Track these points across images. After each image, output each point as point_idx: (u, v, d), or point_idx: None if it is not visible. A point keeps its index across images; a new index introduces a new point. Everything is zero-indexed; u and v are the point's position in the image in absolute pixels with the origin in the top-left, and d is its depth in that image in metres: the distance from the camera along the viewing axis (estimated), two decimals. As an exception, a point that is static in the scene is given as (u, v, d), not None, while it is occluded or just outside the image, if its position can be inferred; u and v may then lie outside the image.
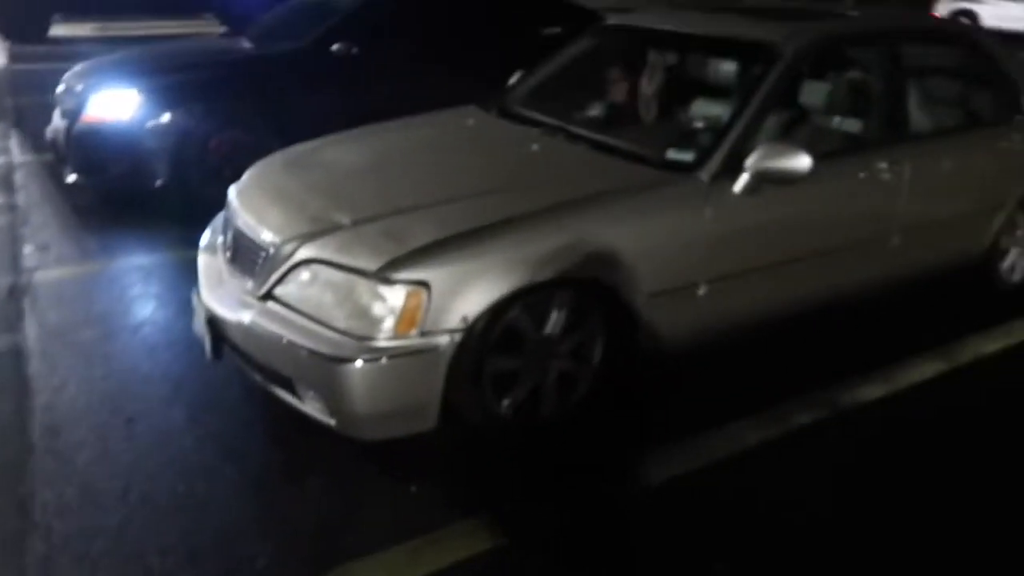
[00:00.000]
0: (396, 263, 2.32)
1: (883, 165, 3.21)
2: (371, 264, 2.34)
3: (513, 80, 3.95)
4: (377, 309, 2.32)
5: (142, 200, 4.71)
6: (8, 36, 11.55)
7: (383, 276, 2.31)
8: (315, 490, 2.39)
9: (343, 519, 2.26)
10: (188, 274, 3.00)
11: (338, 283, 2.39)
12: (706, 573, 2.10)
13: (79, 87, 4.75)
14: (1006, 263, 3.91)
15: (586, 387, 2.71)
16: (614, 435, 2.68)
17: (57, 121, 4.93)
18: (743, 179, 2.76)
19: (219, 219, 3.22)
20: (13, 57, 10.29)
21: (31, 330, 3.23)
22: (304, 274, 2.46)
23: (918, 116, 3.50)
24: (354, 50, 4.89)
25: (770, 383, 3.00)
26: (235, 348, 2.64)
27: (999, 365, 3.31)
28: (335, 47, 4.86)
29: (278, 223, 2.62)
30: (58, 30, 12.11)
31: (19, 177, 5.28)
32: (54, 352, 3.07)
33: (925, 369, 3.20)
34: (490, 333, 2.43)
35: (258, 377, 2.63)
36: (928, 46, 3.80)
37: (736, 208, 2.79)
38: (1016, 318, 3.67)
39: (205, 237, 3.15)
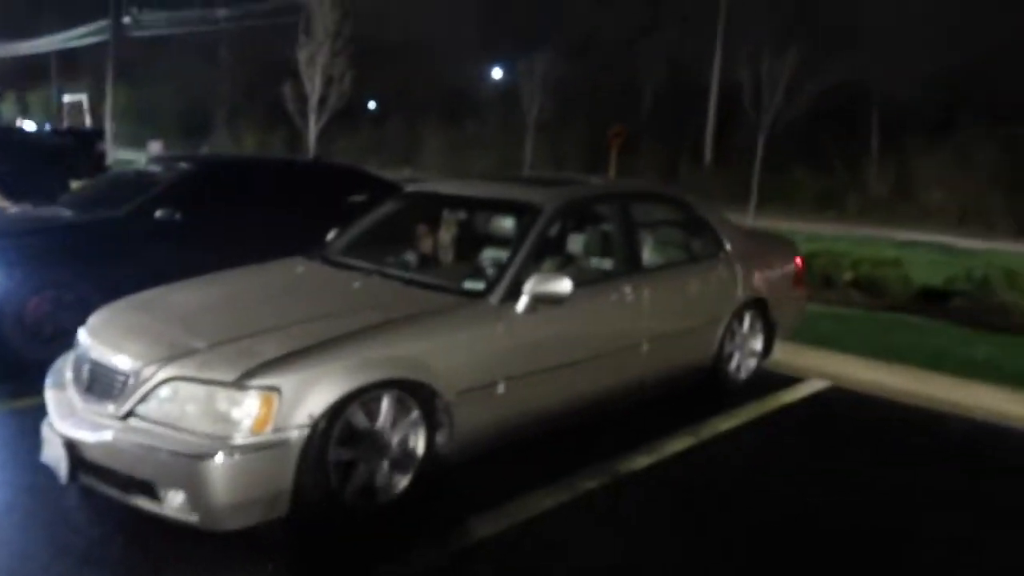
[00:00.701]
0: (250, 373, 2.82)
1: (627, 290, 4.20)
2: (229, 375, 2.81)
3: (331, 236, 4.64)
4: (235, 413, 2.78)
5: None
6: None
7: (240, 384, 2.79)
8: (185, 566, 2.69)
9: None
10: (15, 420, 3.21)
11: (198, 395, 2.82)
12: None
13: None
14: (732, 365, 5.01)
15: (413, 473, 3.25)
16: (436, 510, 3.21)
17: None
18: (523, 301, 3.58)
19: (62, 360, 3.51)
20: None
21: None
22: (164, 391, 2.87)
23: (649, 254, 4.62)
24: (176, 215, 5.36)
25: (561, 460, 3.70)
26: (92, 466, 2.93)
27: (731, 437, 4.28)
28: (159, 213, 5.31)
29: (137, 351, 3.02)
30: None
31: None
32: None
33: (679, 443, 4.08)
34: (332, 428, 2.94)
35: (115, 492, 2.91)
36: (650, 204, 5.03)
37: (519, 323, 3.58)
38: (742, 403, 4.73)
39: (50, 377, 3.41)
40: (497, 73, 38.94)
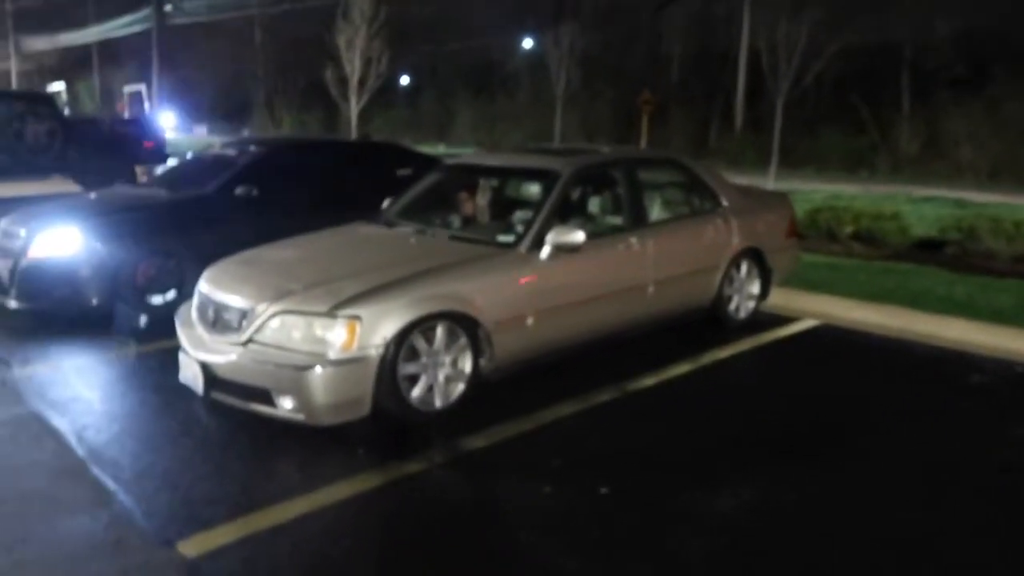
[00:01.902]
0: (338, 305, 3.73)
1: (634, 241, 5.03)
2: (322, 307, 3.73)
3: (386, 203, 5.54)
4: (327, 335, 3.70)
5: (77, 318, 5.71)
6: None
7: (331, 313, 3.70)
8: (299, 451, 3.63)
9: (323, 467, 3.52)
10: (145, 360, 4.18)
11: (300, 323, 3.75)
12: (588, 494, 3.53)
13: (22, 230, 5.79)
14: (731, 306, 5.81)
15: (464, 386, 4.15)
16: (481, 413, 4.10)
17: (-3, 261, 5.90)
18: (545, 250, 4.44)
19: (185, 306, 4.49)
20: None
21: (38, 403, 4.23)
22: (274, 322, 3.79)
23: (654, 211, 5.43)
24: (254, 192, 6.29)
25: (579, 380, 4.57)
26: (221, 382, 3.88)
27: (728, 363, 5.10)
28: (239, 190, 6.25)
29: (251, 293, 3.95)
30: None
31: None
32: (67, 412, 4.09)
33: (681, 367, 4.92)
34: (400, 348, 3.84)
35: (238, 401, 3.87)
36: (654, 167, 5.83)
37: (543, 268, 4.44)
38: (739, 338, 5.54)
39: (178, 318, 4.39)
40: (527, 43, 39.37)
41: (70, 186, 13.68)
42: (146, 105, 31.70)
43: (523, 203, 5.41)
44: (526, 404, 4.24)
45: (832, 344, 5.61)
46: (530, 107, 36.50)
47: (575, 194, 5.11)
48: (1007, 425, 4.17)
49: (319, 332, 3.71)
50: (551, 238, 4.42)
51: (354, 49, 21.10)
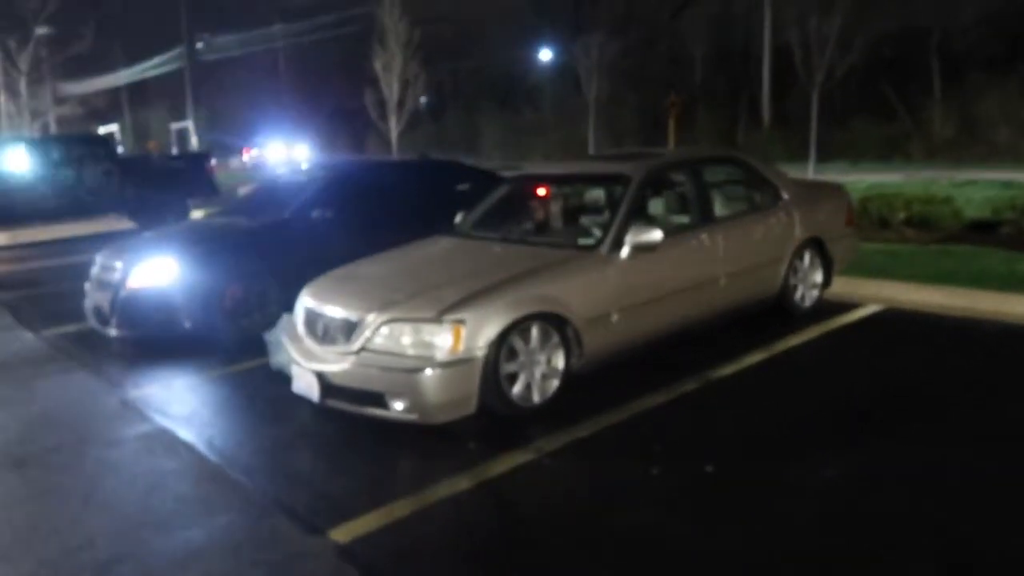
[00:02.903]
0: (444, 311, 4.00)
1: (704, 237, 5.24)
2: (429, 313, 4.00)
3: (459, 217, 5.81)
4: (436, 340, 3.96)
5: (171, 342, 6.05)
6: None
7: (438, 319, 3.97)
8: (416, 448, 3.90)
9: (442, 460, 3.77)
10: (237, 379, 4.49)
11: (408, 330, 4.02)
12: (695, 473, 3.75)
13: (118, 263, 6.17)
14: (796, 295, 5.98)
15: (559, 382, 4.39)
16: (577, 407, 4.33)
17: (95, 293, 6.28)
18: (625, 250, 4.67)
19: (285, 322, 4.80)
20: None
21: (161, 418, 4.55)
22: (384, 330, 4.07)
23: (720, 207, 5.64)
24: (328, 214, 6.61)
25: (664, 372, 4.78)
26: (336, 389, 4.16)
27: (800, 349, 5.28)
28: (315, 213, 6.58)
29: (359, 306, 4.23)
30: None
31: (70, 343, 6.49)
32: (191, 425, 4.40)
33: (756, 356, 5.10)
34: (501, 349, 4.09)
35: (353, 406, 4.14)
36: (717, 165, 6.04)
37: (624, 267, 4.67)
38: (808, 326, 5.70)
39: (283, 334, 4.69)
40: (546, 55, 39.78)
41: (126, 224, 14.25)
42: (193, 140, 32.59)
43: (593, 208, 5.65)
44: (617, 396, 4.45)
45: (899, 327, 5.75)
46: (554, 117, 36.91)
47: (646, 195, 5.33)
48: (1087, 392, 4.30)
49: (427, 337, 3.98)
50: (630, 238, 4.65)
51: (391, 72, 21.68)
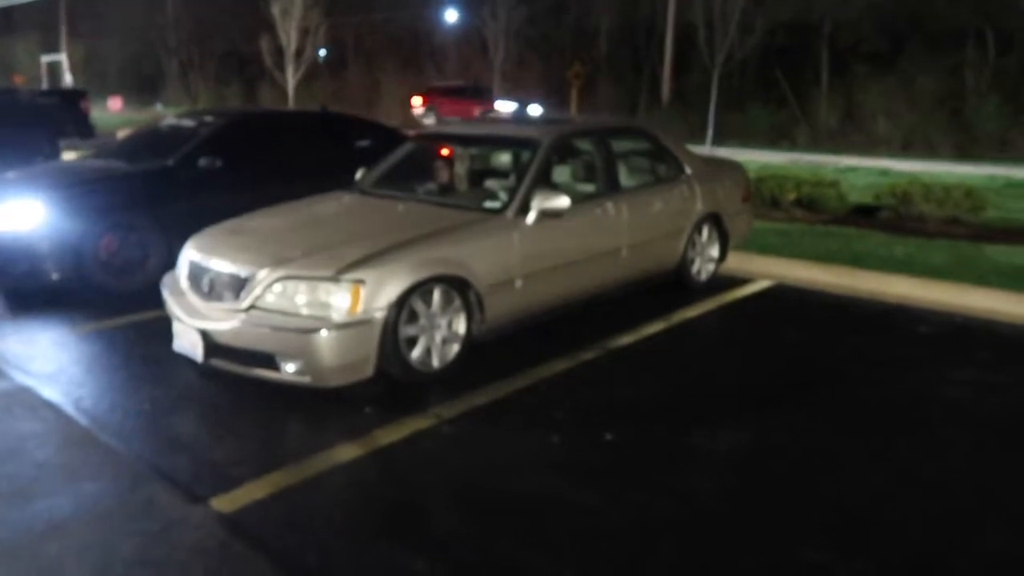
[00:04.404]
0: (342, 269, 3.80)
1: (609, 207, 5.23)
2: (327, 272, 3.79)
3: (360, 173, 5.56)
4: (332, 300, 3.76)
5: (39, 292, 5.55)
6: None
7: (336, 278, 3.77)
8: (307, 412, 3.71)
9: (335, 425, 3.61)
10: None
11: (304, 288, 3.80)
12: (595, 441, 3.72)
13: (-24, 204, 5.57)
14: (694, 268, 6.10)
15: (459, 347, 4.28)
16: (477, 372, 4.25)
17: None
18: (532, 215, 4.59)
19: (169, 276, 4.45)
20: None
21: (22, 376, 4.15)
22: (277, 287, 3.83)
23: (625, 177, 5.64)
24: (217, 163, 6.19)
25: (564, 340, 4.77)
26: (222, 349, 3.90)
27: (696, 322, 5.38)
28: (202, 161, 6.14)
29: (249, 260, 3.97)
30: None
31: None
32: (57, 384, 4.03)
33: (654, 326, 5.17)
34: (401, 311, 3.94)
35: (239, 367, 3.90)
36: (624, 136, 6.04)
37: (530, 233, 4.59)
38: (704, 298, 5.83)
39: (165, 289, 4.35)
40: (452, 16, 39.06)
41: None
42: (67, 77, 30.06)
43: (499, 172, 5.53)
44: (518, 363, 4.40)
45: (787, 302, 5.97)
46: (459, 79, 36.38)
47: (553, 161, 5.25)
48: (946, 368, 4.58)
49: (323, 296, 3.78)
50: (537, 204, 4.57)
51: (290, 19, 20.61)
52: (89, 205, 5.67)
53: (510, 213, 4.57)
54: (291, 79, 21.74)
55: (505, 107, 27.00)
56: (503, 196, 4.84)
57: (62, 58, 31.50)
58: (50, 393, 3.94)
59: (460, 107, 26.68)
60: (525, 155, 5.02)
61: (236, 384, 3.96)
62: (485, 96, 28.01)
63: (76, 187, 5.77)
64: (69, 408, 3.78)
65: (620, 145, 5.87)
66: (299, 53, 21.20)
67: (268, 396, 3.89)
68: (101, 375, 4.28)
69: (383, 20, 39.38)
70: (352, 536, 2.79)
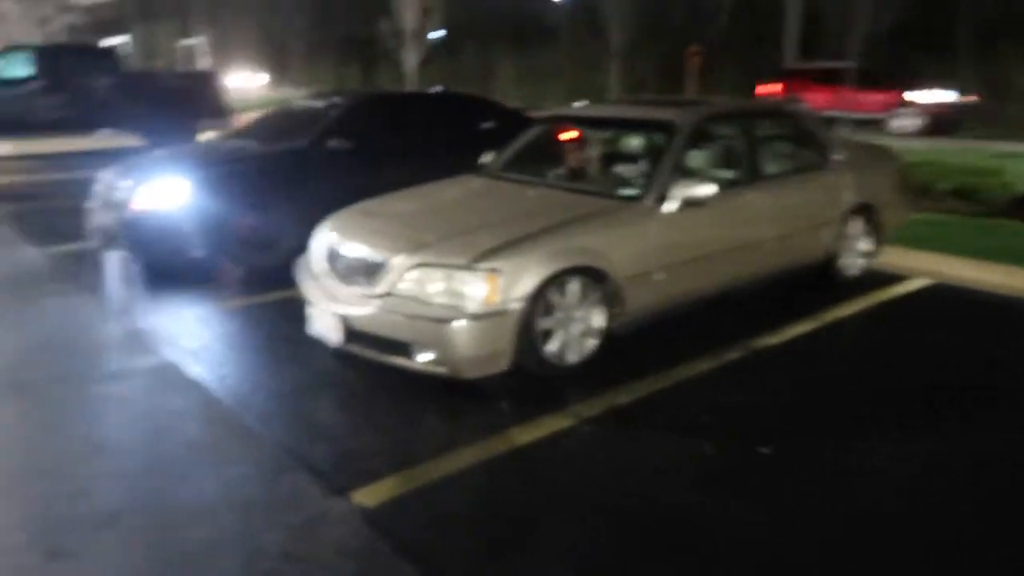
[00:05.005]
0: (478, 258, 3.67)
1: (752, 195, 4.89)
2: (462, 260, 3.67)
3: (488, 156, 5.43)
4: (468, 289, 3.64)
5: (180, 269, 5.74)
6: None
7: (471, 266, 3.65)
8: (444, 403, 3.63)
9: (472, 420, 3.51)
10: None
11: (440, 276, 3.69)
12: (748, 452, 3.48)
13: (126, 182, 5.81)
14: (843, 262, 5.65)
15: (595, 341, 4.10)
16: (616, 369, 4.05)
17: (101, 213, 5.93)
18: (672, 203, 4.32)
19: (303, 260, 4.46)
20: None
21: (169, 351, 4.26)
22: (413, 274, 3.75)
23: (769, 164, 5.26)
24: (347, 144, 6.23)
25: (707, 337, 4.49)
26: (358, 335, 3.86)
27: (848, 322, 4.97)
28: (332, 142, 6.19)
29: (386, 246, 3.91)
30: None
31: (71, 264, 6.18)
32: (201, 361, 4.12)
33: (802, 326, 4.80)
34: (537, 302, 3.78)
35: (375, 353, 3.85)
36: (769, 119, 5.63)
37: (670, 222, 4.33)
38: (855, 296, 5.39)
39: (301, 273, 4.36)
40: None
41: (130, 140, 13.78)
42: (203, 60, 31.64)
43: (631, 156, 5.28)
44: (658, 360, 4.17)
45: (949, 302, 5.43)
46: (570, 62, 35.88)
47: (693, 146, 4.95)
48: None
49: (459, 285, 3.66)
50: (679, 192, 4.30)
51: (408, 1, 20.84)
52: (230, 185, 5.80)
53: (648, 201, 4.32)
54: (412, 61, 22.00)
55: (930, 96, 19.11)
56: (640, 182, 4.59)
57: (198, 42, 33.14)
58: (196, 370, 4.03)
59: (839, 96, 18.33)
60: (662, 139, 4.74)
61: (372, 370, 3.92)
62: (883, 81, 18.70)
63: (218, 167, 5.92)
64: (213, 386, 3.84)
65: (764, 128, 5.49)
66: (418, 35, 21.39)
67: (404, 385, 3.83)
68: (242, 354, 4.35)
69: (493, 2, 39.22)
70: (491, 541, 2.66)
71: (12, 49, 14.43)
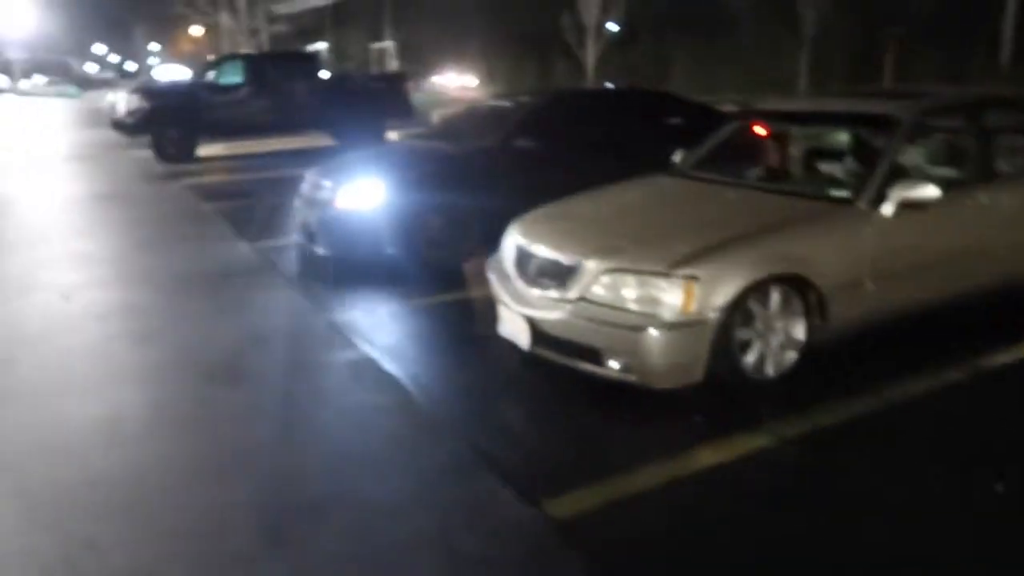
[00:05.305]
0: (675, 264, 3.52)
1: (983, 197, 4.36)
2: (659, 267, 3.54)
3: (678, 156, 5.23)
4: (664, 296, 3.50)
5: (374, 265, 6.01)
6: (164, 159, 13.53)
7: (668, 273, 3.50)
8: (636, 413, 3.52)
9: (664, 433, 3.38)
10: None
11: (634, 282, 3.58)
12: (979, 487, 3.14)
13: (327, 182, 6.17)
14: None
15: (795, 355, 3.82)
16: (817, 386, 3.75)
17: (304, 211, 6.35)
18: (890, 206, 3.93)
19: (494, 260, 4.49)
20: (178, 173, 12.13)
21: (367, 347, 4.47)
22: (606, 279, 3.66)
23: (1002, 162, 4.67)
24: (534, 144, 6.25)
25: (922, 353, 4.06)
26: (547, 338, 3.83)
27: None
28: (520, 142, 6.24)
29: (578, 249, 3.85)
30: (200, 151, 14.06)
31: (277, 258, 6.70)
32: (397, 359, 4.28)
33: (1036, 345, 4.24)
34: (736, 312, 3.58)
35: (564, 359, 3.80)
36: (1002, 111, 5.00)
37: (886, 226, 3.95)
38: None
39: (492, 273, 4.40)
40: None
41: (326, 141, 14.76)
42: (392, 62, 33.44)
43: (836, 153, 4.90)
44: (865, 377, 3.83)
45: None
46: (750, 50, 34.28)
47: (914, 142, 4.50)
48: None
49: (654, 292, 3.53)
50: (898, 193, 3.91)
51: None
52: (421, 185, 6.00)
53: (863, 203, 3.96)
54: (591, 56, 21.98)
55: None
56: (852, 183, 4.22)
57: (389, 45, 35.00)
58: (392, 366, 4.18)
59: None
60: (879, 134, 4.33)
61: (561, 375, 3.88)
62: None
63: (410, 168, 6.16)
64: (409, 383, 3.97)
65: (995, 121, 4.88)
66: (599, 29, 21.34)
67: (594, 391, 3.76)
68: (435, 352, 4.49)
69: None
70: (687, 564, 2.53)
71: (226, 59, 15.92)
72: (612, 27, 42.59)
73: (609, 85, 12.51)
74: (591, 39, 21.69)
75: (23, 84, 53.68)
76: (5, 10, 52.08)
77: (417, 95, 22.04)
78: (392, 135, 14.66)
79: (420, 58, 48.10)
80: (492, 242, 4.58)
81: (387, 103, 15.28)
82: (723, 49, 36.54)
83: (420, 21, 48.37)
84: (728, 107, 8.17)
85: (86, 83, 56.26)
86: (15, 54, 56.07)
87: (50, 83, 54.37)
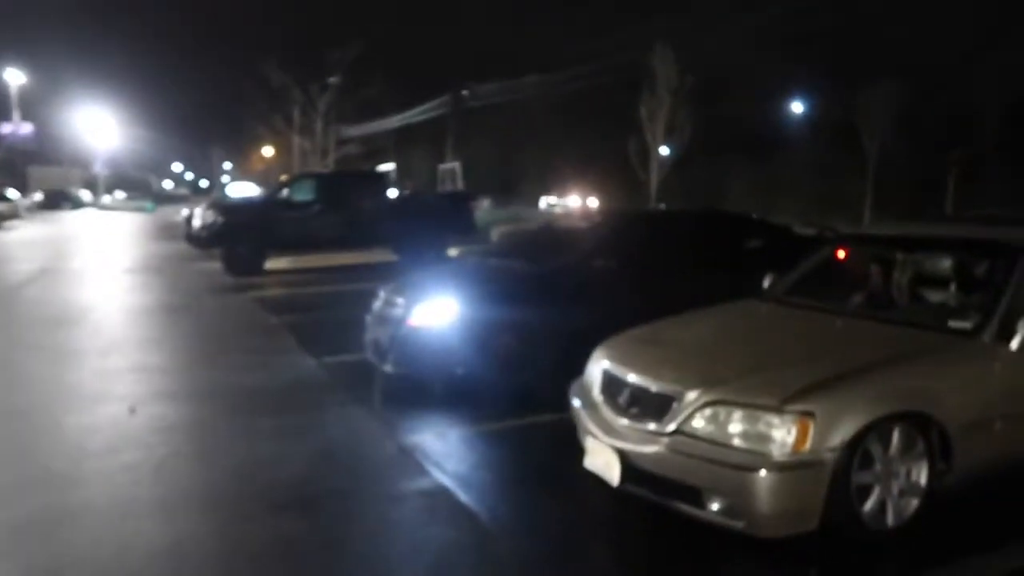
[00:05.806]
0: (789, 399, 3.22)
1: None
2: (771, 400, 3.24)
3: (769, 281, 4.98)
4: (775, 433, 3.19)
5: (444, 384, 5.80)
6: (233, 272, 13.85)
7: (781, 408, 3.20)
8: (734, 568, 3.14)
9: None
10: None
11: (741, 416, 3.29)
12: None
13: (400, 299, 6.09)
14: None
15: (919, 502, 3.42)
16: (943, 541, 3.32)
17: (375, 327, 6.25)
18: (1018, 339, 3.60)
19: (577, 385, 4.24)
20: (246, 286, 12.34)
21: (440, 474, 4.20)
22: (707, 412, 3.37)
23: None
24: (610, 264, 6.11)
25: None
26: (640, 474, 3.52)
27: None
28: (597, 262, 6.10)
29: (675, 378, 3.58)
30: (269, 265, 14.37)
31: (344, 374, 6.55)
32: (470, 489, 4.00)
33: None
34: (855, 453, 3.23)
35: (657, 497, 3.47)
36: None
37: (1015, 362, 3.60)
38: None
39: (576, 399, 4.15)
40: (797, 108, 37.64)
41: (389, 256, 14.97)
42: (459, 182, 34.59)
43: (940, 281, 4.60)
44: (996, 532, 3.40)
45: None
46: (811, 174, 34.51)
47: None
48: None
49: (764, 428, 3.23)
50: (1026, 326, 3.59)
51: (657, 120, 21.46)
52: (494, 305, 5.86)
53: (987, 336, 3.64)
54: (654, 177, 22.42)
55: None
56: (972, 315, 3.90)
57: (455, 166, 36.42)
58: (467, 498, 3.90)
59: None
60: (1000, 263, 4.04)
61: (654, 515, 3.54)
62: None
63: (483, 287, 6.04)
64: (486, 518, 3.68)
65: None
66: (660, 152, 21.87)
67: (692, 535, 3.40)
68: (512, 483, 4.20)
69: (732, 115, 39.04)
70: None
71: (300, 177, 16.56)
72: (665, 151, 43.67)
73: (662, 206, 12.53)
74: (655, 161, 22.15)
75: (105, 199, 56.95)
76: (96, 126, 56.05)
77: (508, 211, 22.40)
78: (453, 251, 14.80)
79: (480, 177, 49.83)
80: (566, 365, 4.35)
81: (451, 220, 15.53)
82: (778, 172, 36.93)
83: (481, 144, 50.47)
84: (807, 231, 7.97)
85: (162, 199, 59.47)
86: (101, 169, 59.81)
87: (129, 198, 57.71)
